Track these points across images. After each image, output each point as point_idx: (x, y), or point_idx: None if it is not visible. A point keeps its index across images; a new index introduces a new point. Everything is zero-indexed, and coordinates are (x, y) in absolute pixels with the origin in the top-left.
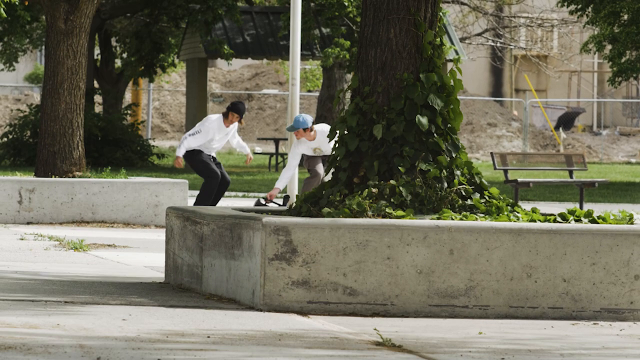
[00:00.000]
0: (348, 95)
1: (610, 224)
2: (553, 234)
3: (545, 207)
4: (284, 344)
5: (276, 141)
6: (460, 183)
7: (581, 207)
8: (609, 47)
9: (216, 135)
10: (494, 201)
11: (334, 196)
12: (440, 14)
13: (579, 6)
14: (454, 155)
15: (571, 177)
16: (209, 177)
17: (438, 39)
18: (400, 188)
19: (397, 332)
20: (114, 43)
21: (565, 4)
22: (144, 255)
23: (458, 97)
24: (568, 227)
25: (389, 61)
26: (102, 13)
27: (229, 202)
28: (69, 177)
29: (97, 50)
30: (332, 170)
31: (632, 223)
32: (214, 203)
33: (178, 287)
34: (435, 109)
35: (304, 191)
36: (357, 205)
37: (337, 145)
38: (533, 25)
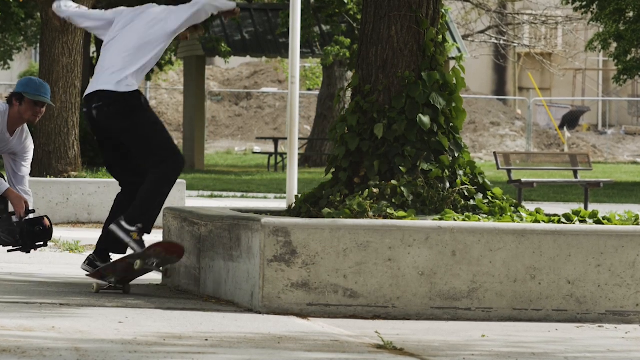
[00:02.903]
0: (348, 93)
1: (616, 224)
2: (557, 235)
3: (550, 208)
4: (283, 347)
5: (275, 140)
6: (462, 183)
7: (586, 208)
8: (614, 44)
9: None
10: (497, 202)
11: (334, 196)
12: (443, 11)
13: (584, 3)
14: (456, 154)
15: (576, 177)
16: None
17: (440, 37)
18: (402, 188)
19: (398, 335)
20: None
21: (570, 1)
22: None
23: (460, 96)
24: (573, 228)
25: (390, 59)
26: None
27: (228, 203)
28: (65, 177)
29: (93, 48)
30: (332, 170)
31: (638, 224)
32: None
33: (175, 289)
34: (437, 108)
35: None
36: (358, 206)
37: (337, 144)
38: (537, 22)
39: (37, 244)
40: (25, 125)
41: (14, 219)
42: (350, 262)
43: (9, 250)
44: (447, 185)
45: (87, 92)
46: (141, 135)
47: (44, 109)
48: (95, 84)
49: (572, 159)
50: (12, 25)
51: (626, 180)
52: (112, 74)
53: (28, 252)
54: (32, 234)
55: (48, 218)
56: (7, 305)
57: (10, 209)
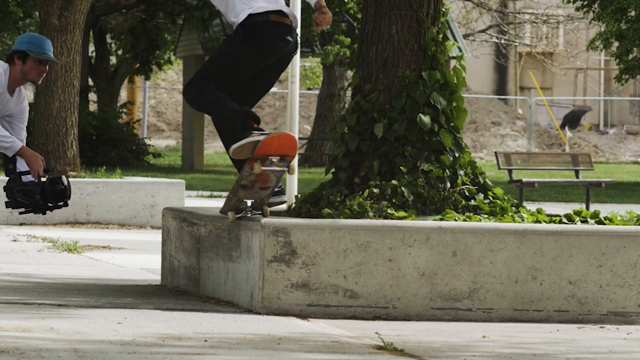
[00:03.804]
0: (349, 93)
1: (618, 225)
2: (559, 235)
3: (551, 208)
4: (283, 348)
5: None
6: (463, 183)
7: (587, 208)
8: (616, 44)
9: None
10: (498, 202)
11: (334, 196)
12: (443, 9)
13: (585, 2)
14: (457, 154)
15: (577, 177)
16: None
17: (441, 36)
18: (402, 188)
19: (399, 335)
20: (109, 40)
21: (571, 0)
22: (140, 257)
23: (462, 95)
24: (574, 229)
25: (391, 58)
26: (97, 9)
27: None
28: None
29: (91, 47)
30: (332, 170)
31: (639, 224)
32: None
33: (174, 290)
34: (437, 108)
35: None
36: (358, 206)
37: (337, 144)
38: (538, 21)
39: (59, 203)
40: (22, 86)
41: (26, 178)
42: (351, 263)
43: (21, 212)
44: (448, 185)
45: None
46: None
47: (47, 68)
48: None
49: (573, 159)
50: (10, 24)
51: (628, 180)
52: None
53: (44, 213)
54: (54, 193)
55: (66, 176)
56: (5, 306)
57: (18, 169)
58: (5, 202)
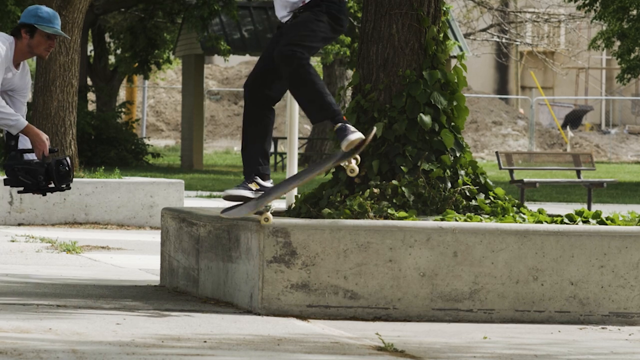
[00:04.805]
0: (349, 92)
1: (619, 225)
2: (560, 235)
3: (552, 208)
4: (282, 348)
5: (275, 140)
6: (464, 183)
7: (589, 208)
8: (618, 43)
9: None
10: (499, 202)
11: (334, 197)
12: (444, 8)
13: (587, 1)
14: (458, 154)
15: (579, 177)
16: None
17: (441, 35)
18: (403, 188)
19: (399, 336)
20: (107, 39)
21: None
22: (139, 258)
23: (463, 94)
24: (575, 229)
25: (391, 58)
26: (96, 8)
27: (227, 203)
28: None
29: (90, 47)
30: (333, 170)
31: None
32: None
33: (174, 291)
34: (438, 107)
35: None
36: (358, 206)
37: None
38: (539, 20)
39: (62, 185)
40: (25, 60)
41: (27, 157)
42: (351, 263)
43: (19, 192)
44: (449, 185)
45: None
46: None
47: (55, 42)
48: None
49: (575, 159)
50: (9, 23)
51: (630, 180)
52: None
53: (44, 194)
54: (58, 174)
55: (70, 158)
56: (3, 306)
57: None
58: (4, 179)
